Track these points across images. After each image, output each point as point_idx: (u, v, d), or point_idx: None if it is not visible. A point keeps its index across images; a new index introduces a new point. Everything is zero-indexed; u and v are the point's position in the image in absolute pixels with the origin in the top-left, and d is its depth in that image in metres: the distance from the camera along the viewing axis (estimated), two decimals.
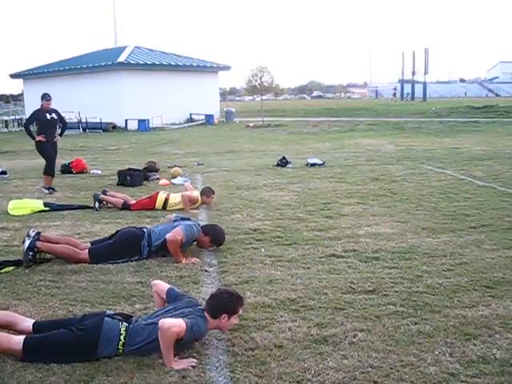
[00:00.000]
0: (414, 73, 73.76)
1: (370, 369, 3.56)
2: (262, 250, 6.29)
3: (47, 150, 10.75)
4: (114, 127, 30.95)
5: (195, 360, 3.70)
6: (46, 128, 10.73)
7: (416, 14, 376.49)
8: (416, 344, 3.90)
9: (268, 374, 3.50)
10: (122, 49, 36.59)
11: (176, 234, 5.93)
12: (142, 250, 6.06)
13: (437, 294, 4.91)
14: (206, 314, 3.99)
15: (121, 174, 11.31)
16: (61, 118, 11.07)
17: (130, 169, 11.79)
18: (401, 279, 5.28)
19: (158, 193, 8.78)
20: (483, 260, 5.85)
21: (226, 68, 39.96)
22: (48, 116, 10.60)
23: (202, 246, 6.36)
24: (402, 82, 77.75)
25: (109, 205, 8.76)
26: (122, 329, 3.84)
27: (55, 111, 10.81)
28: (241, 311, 4.16)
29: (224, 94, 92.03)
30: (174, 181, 11.39)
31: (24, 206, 8.68)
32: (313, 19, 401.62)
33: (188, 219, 6.56)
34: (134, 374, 3.53)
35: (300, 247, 6.37)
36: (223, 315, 3.97)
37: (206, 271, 5.65)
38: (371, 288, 5.04)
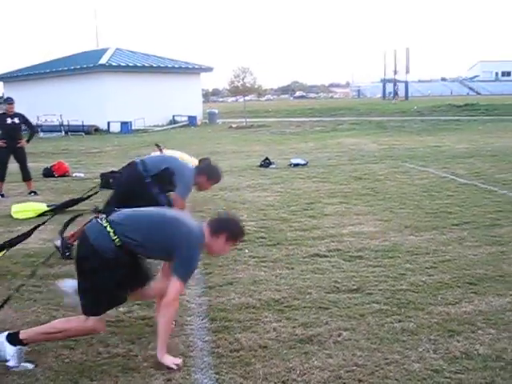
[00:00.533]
0: (395, 72, 74.09)
1: (354, 367, 3.57)
2: (246, 250, 6.28)
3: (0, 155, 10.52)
4: (97, 130, 30.78)
5: (181, 360, 3.68)
6: (6, 133, 10.55)
7: (397, 13, 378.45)
8: (400, 342, 3.92)
9: (253, 375, 3.50)
10: (104, 51, 36.42)
11: (177, 205, 5.50)
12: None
13: (420, 291, 4.94)
14: (205, 228, 3.83)
15: (104, 176, 11.24)
16: (26, 123, 10.89)
17: (112, 171, 11.71)
18: (384, 277, 5.30)
19: None
20: (466, 257, 5.90)
21: (209, 69, 39.91)
22: (9, 120, 10.44)
23: (202, 188, 5.92)
24: (385, 81, 78.12)
25: None
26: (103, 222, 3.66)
27: (19, 115, 10.65)
28: (235, 245, 4.15)
29: (207, 95, 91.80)
30: None
31: (27, 209, 8.61)
32: (295, 19, 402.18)
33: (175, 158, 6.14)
34: (118, 378, 3.50)
35: (284, 247, 6.38)
36: (223, 235, 3.84)
37: None
38: (355, 287, 5.06)
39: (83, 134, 29.24)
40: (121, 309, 4.64)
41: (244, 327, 4.24)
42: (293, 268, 5.67)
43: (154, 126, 32.85)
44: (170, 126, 33.39)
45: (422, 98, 74.26)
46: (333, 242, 6.56)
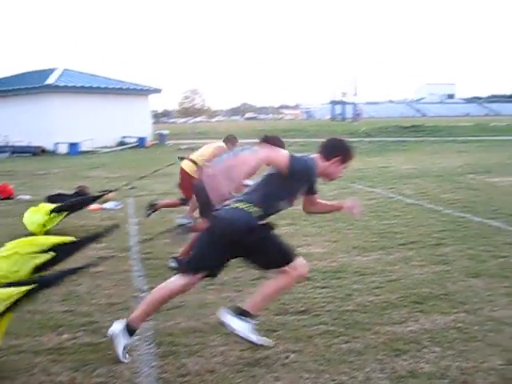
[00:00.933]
0: (344, 94, 75.57)
1: None
2: None
3: None
4: (44, 151, 30.18)
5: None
6: None
7: (347, 37, 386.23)
8: (347, 362, 3.94)
9: None
10: (51, 71, 35.85)
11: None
12: None
13: (367, 311, 4.99)
14: (317, 156, 4.15)
15: (51, 199, 10.99)
16: None
17: (60, 194, 11.49)
18: (332, 298, 5.33)
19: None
20: (412, 276, 6.00)
21: (157, 91, 39.82)
22: None
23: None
24: (333, 102, 79.47)
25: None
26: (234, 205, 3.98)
27: None
28: (347, 166, 4.27)
29: (157, 117, 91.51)
30: (105, 205, 11.18)
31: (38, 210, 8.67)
32: (245, 41, 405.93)
33: None
34: None
35: (233, 269, 6.32)
36: (337, 158, 4.10)
37: (136, 297, 5.54)
38: (303, 308, 5.07)
39: (30, 155, 28.66)
40: (64, 335, 4.54)
41: (191, 351, 4.19)
42: (241, 290, 5.65)
43: (103, 147, 32.43)
44: (119, 148, 33.04)
45: (370, 119, 75.65)
46: None
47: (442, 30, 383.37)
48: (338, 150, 4.16)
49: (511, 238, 7.59)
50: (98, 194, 9.83)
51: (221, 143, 7.80)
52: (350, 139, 25.58)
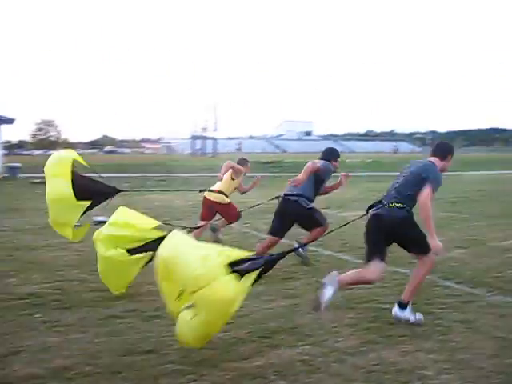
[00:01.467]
0: (204, 129, 76.49)
1: None
2: (37, 315, 5.89)
3: None
4: None
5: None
6: None
7: (208, 73, 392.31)
8: None
9: None
10: None
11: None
12: None
13: (216, 348, 4.97)
14: (434, 160, 5.69)
15: None
16: None
17: None
18: None
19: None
20: (262, 311, 6.08)
21: (9, 121, 37.94)
22: None
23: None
24: (194, 137, 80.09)
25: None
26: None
27: None
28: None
29: (11, 148, 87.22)
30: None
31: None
32: (100, 73, 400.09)
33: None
34: None
35: (79, 310, 6.09)
36: (449, 156, 5.76)
37: None
38: (150, 347, 4.96)
39: None
40: None
41: None
42: (87, 331, 5.42)
43: None
44: None
45: (232, 154, 76.94)
46: (131, 301, 6.40)
47: (300, 69, 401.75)
48: (450, 151, 5.79)
49: None
50: None
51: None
52: (209, 174, 25.61)
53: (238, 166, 9.81)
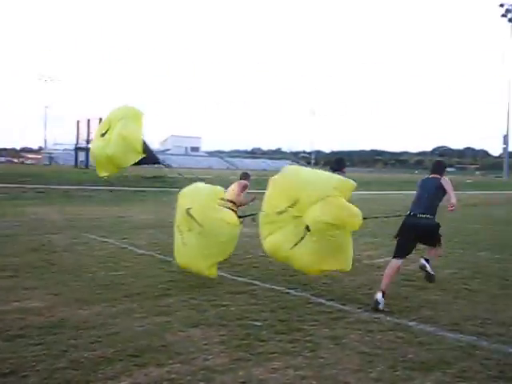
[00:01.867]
0: (88, 141, 74.36)
1: None
2: None
3: None
4: None
5: None
6: None
7: (96, 85, 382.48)
8: None
9: None
10: None
11: None
12: None
13: (80, 368, 4.81)
14: (437, 176, 7.74)
15: None
16: None
17: None
18: (45, 356, 5.05)
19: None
20: (132, 329, 5.95)
21: None
22: None
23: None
24: (77, 149, 77.71)
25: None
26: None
27: None
28: None
29: None
30: None
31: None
32: None
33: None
34: None
35: None
36: (444, 171, 7.95)
37: None
38: (9, 370, 4.71)
39: None
40: None
41: None
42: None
43: None
44: None
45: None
46: None
47: (193, 83, 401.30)
48: (444, 168, 8.07)
49: (233, 287, 8.00)
50: None
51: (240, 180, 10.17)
52: (91, 187, 24.91)
53: (246, 183, 10.13)
